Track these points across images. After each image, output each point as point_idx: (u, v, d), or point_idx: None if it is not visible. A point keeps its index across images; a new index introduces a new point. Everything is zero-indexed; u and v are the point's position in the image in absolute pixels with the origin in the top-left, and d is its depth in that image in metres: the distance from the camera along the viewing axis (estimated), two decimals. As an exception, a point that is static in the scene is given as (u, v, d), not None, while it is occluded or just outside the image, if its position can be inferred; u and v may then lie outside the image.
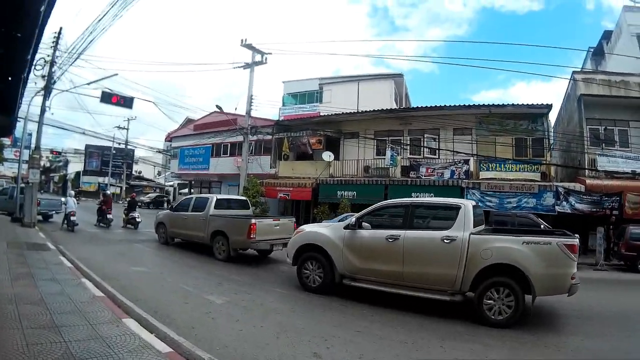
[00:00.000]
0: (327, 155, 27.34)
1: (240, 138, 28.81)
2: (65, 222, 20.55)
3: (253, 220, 13.43)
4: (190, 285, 10.18)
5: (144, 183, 59.35)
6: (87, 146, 56.69)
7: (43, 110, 20.98)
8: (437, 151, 25.27)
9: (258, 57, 26.51)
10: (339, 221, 19.79)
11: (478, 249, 7.77)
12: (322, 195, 26.46)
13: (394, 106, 33.73)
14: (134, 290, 9.18)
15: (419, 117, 25.15)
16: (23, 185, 22.18)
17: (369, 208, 9.64)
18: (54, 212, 24.20)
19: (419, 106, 25.09)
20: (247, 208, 17.39)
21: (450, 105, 23.94)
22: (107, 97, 22.42)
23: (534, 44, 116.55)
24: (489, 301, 7.71)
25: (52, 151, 58.60)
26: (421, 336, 7.05)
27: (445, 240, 8.06)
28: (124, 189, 50.38)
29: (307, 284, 9.97)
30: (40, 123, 21.12)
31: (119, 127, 49.36)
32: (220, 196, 17.47)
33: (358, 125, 27.60)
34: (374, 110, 26.59)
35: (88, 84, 21.95)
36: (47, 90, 20.84)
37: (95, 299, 7.80)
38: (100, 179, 56.41)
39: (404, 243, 8.52)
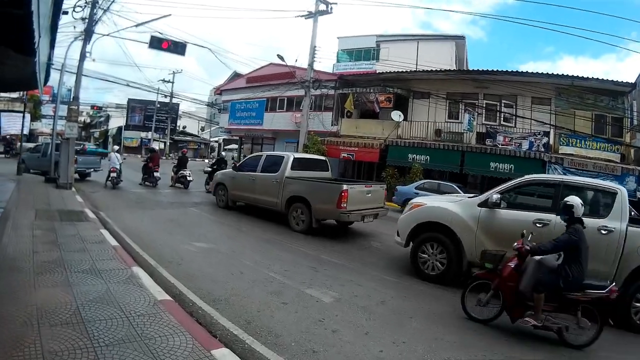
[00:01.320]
0: (397, 115, 25.12)
1: (299, 92, 26.84)
2: (109, 179, 18.32)
3: (345, 186, 11.07)
4: (277, 271, 7.84)
5: (188, 138, 55.83)
6: (130, 100, 53.61)
7: (83, 56, 17.56)
8: (513, 119, 22.99)
9: (322, 7, 23.57)
10: (417, 187, 18.86)
11: (635, 244, 6.48)
12: (391, 157, 24.29)
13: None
14: (207, 282, 6.82)
15: (496, 81, 22.61)
16: (58, 142, 19.02)
17: (512, 182, 7.94)
18: (92, 169, 21.22)
19: (498, 69, 22.05)
20: (326, 170, 14.44)
21: (531, 72, 21.43)
22: (157, 42, 18.88)
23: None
24: (637, 304, 6.50)
25: (92, 106, 56.25)
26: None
27: (602, 231, 6.64)
28: (167, 144, 47.58)
29: (423, 271, 8.25)
30: (79, 70, 17.72)
31: (163, 81, 46.58)
32: (297, 155, 14.37)
33: (428, 84, 24.94)
34: (448, 70, 24.41)
35: (136, 25, 18.36)
36: (87, 33, 17.37)
37: (159, 306, 5.22)
38: (143, 134, 53.77)
39: (555, 230, 6.71)
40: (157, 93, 42.89)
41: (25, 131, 32.78)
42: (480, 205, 7.72)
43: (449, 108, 24.81)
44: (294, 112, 29.68)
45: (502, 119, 23.51)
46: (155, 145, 44.03)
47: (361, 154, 25.03)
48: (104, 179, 18.75)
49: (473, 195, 9.08)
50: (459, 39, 34.77)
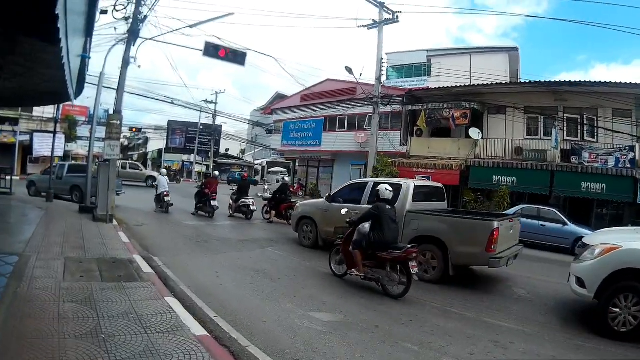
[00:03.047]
0: (476, 133, 22.02)
1: (361, 110, 24.76)
2: (159, 205, 17.01)
3: (496, 223, 8.32)
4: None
5: (232, 161, 52.38)
6: (170, 122, 50.24)
7: (126, 62, 14.25)
8: (596, 134, 20.17)
9: (387, 16, 20.71)
10: (514, 213, 15.04)
11: None
12: (473, 179, 21.41)
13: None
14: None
15: (574, 93, 20.05)
16: (97, 164, 16.05)
17: None
18: (120, 191, 18.28)
19: (579, 80, 19.48)
20: (443, 200, 11.42)
21: (615, 82, 18.71)
22: (213, 50, 15.20)
23: None
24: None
25: (130, 128, 53.23)
26: None
27: None
28: (211, 167, 43.92)
29: (613, 329, 6.11)
30: (121, 77, 14.35)
31: (206, 101, 43.41)
32: (417, 182, 10.95)
33: (504, 98, 22.10)
34: (527, 82, 21.69)
35: (190, 26, 14.95)
36: (132, 34, 14.15)
37: None
38: (185, 157, 50.83)
39: None
40: (200, 111, 39.89)
41: (60, 153, 30.04)
42: None
43: (527, 123, 21.95)
44: (357, 131, 26.66)
45: (584, 133, 20.83)
46: (198, 169, 40.77)
47: (439, 176, 21.37)
48: (138, 204, 17.43)
49: None
50: (512, 51, 32.70)
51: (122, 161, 35.32)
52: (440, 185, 11.98)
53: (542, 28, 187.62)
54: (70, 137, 37.80)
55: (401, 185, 9.95)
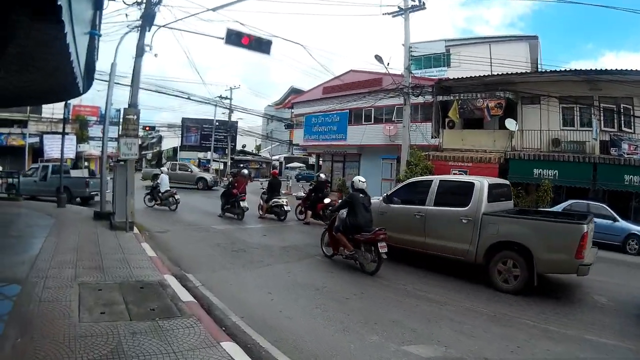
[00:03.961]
0: (512, 124, 20.69)
1: (388, 101, 23.18)
2: (172, 203, 16.17)
3: (585, 227, 7.27)
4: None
5: (249, 157, 50.10)
6: (184, 119, 48.59)
7: (141, 50, 12.55)
8: (632, 125, 19.23)
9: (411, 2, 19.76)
10: (563, 210, 15.09)
11: None
12: (513, 173, 19.74)
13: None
14: None
15: (610, 82, 18.82)
16: (111, 165, 16.22)
17: None
18: (97, 191, 17.19)
19: (616, 68, 18.18)
20: (510, 199, 10.27)
21: None
22: (235, 38, 13.42)
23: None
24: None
25: (143, 127, 51.45)
26: None
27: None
28: (229, 164, 42.13)
29: None
30: (136, 67, 12.65)
31: (220, 97, 40.86)
32: (491, 180, 9.58)
33: (537, 87, 20.97)
34: (562, 71, 19.89)
35: (214, 9, 13.33)
36: (146, 19, 12.54)
37: None
38: (201, 154, 48.89)
39: None
40: (216, 105, 38.30)
41: (72, 154, 29.00)
42: None
43: (563, 114, 20.81)
44: (385, 123, 25.09)
45: (622, 124, 19.83)
46: (215, 166, 39.20)
47: (476, 170, 20.00)
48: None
49: None
50: (532, 39, 31.32)
51: (171, 162, 33.55)
52: (507, 182, 10.75)
53: (548, 17, 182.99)
54: (82, 138, 36.63)
55: (473, 183, 8.70)
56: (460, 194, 8.83)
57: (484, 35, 35.31)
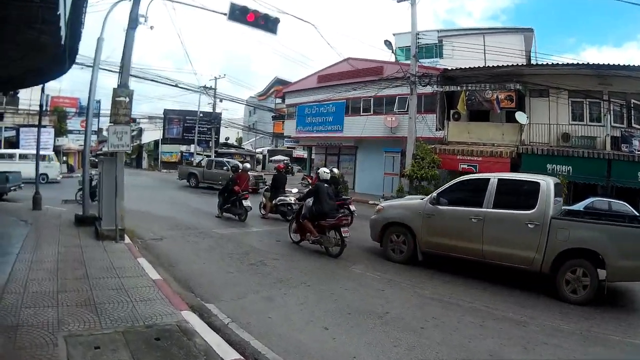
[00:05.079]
0: (523, 117, 19.95)
1: (390, 91, 22.61)
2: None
3: None
4: None
5: (232, 150, 46.75)
6: (167, 111, 46.34)
7: (134, 21, 10.46)
8: None
9: None
10: (585, 208, 14.55)
11: None
12: (526, 168, 18.68)
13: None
14: None
15: (619, 77, 18.55)
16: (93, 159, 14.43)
17: None
18: (15, 187, 15.57)
19: (628, 64, 18.05)
20: (561, 197, 9.71)
21: None
22: (240, 13, 11.53)
23: None
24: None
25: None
26: None
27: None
28: (213, 157, 40.18)
29: None
30: (127, 41, 10.56)
31: (205, 87, 38.27)
32: (554, 179, 8.40)
33: (545, 80, 20.41)
34: (572, 64, 19.53)
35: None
36: None
37: None
38: (183, 147, 46.46)
39: None
40: (201, 92, 36.55)
41: (50, 149, 27.37)
42: None
43: (572, 108, 20.31)
44: (387, 114, 23.84)
45: (632, 120, 19.57)
46: (199, 159, 37.24)
47: (486, 164, 19.11)
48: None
49: None
50: (527, 32, 30.57)
51: (207, 158, 28.50)
52: (559, 180, 9.70)
53: (529, 10, 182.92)
54: (60, 131, 34.72)
55: (538, 183, 7.71)
56: (523, 194, 7.94)
57: (479, 27, 34.21)
